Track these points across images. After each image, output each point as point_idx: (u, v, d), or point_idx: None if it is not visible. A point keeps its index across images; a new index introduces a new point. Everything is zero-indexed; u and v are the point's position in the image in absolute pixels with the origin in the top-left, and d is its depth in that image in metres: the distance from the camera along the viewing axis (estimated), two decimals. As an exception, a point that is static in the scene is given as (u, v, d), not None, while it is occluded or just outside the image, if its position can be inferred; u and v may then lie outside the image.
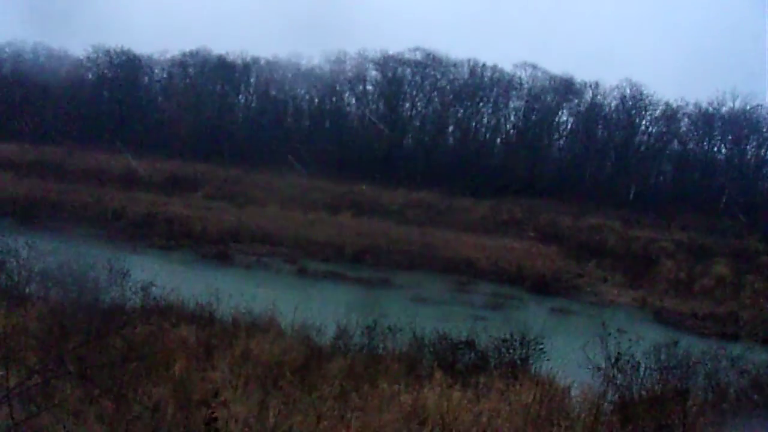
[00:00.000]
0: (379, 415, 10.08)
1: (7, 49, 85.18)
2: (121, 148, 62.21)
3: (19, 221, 38.63)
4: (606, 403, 11.86)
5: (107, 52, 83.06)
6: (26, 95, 78.36)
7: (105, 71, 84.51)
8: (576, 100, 73.33)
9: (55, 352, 10.96)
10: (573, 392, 13.00)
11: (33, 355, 11.35)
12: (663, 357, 14.01)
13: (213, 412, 7.78)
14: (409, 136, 75.27)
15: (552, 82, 72.30)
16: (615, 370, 12.68)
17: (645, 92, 70.77)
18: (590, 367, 12.92)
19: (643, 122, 72.61)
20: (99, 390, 9.76)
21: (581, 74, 72.32)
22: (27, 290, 17.35)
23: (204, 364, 12.64)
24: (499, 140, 75.96)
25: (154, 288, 17.51)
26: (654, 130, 72.71)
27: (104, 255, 17.96)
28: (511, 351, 14.89)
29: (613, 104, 72.72)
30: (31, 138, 69.33)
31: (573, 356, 14.06)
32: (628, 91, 71.01)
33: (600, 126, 73.40)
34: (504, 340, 15.02)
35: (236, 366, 12.52)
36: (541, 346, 14.85)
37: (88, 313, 13.83)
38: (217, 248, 36.97)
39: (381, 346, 15.11)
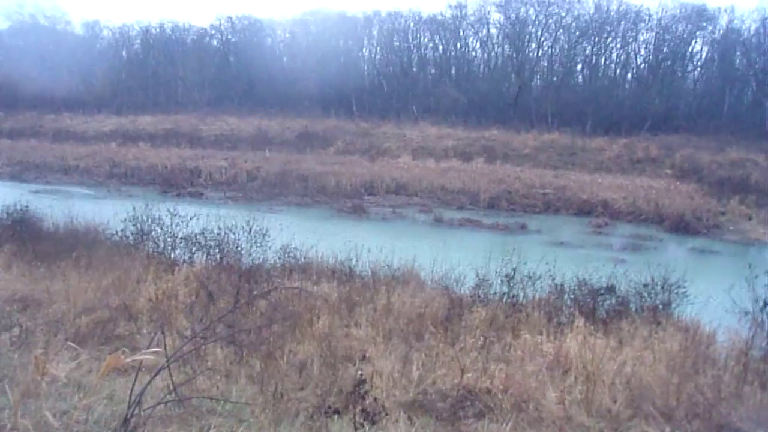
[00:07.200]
0: (521, 366, 10.10)
1: (136, 26, 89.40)
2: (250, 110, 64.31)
3: (160, 189, 40.79)
4: (755, 350, 11.46)
5: (229, 19, 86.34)
6: (156, 68, 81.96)
7: (229, 37, 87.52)
8: (710, 27, 69.42)
9: (205, 318, 11.72)
10: (719, 338, 12.51)
11: (183, 320, 12.08)
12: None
13: (362, 374, 8.27)
14: (537, 77, 73.88)
15: (683, 11, 68.64)
16: (764, 314, 12.27)
17: (789, 11, 65.61)
18: (737, 311, 12.61)
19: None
20: (247, 351, 10.37)
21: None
22: (172, 256, 18.06)
23: (347, 320, 12.85)
24: (629, 75, 73.33)
25: (293, 246, 17.78)
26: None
27: (241, 216, 18.58)
28: (652, 295, 14.53)
29: (752, 28, 67.98)
30: (164, 108, 72.95)
31: (717, 300, 13.62)
32: (769, 12, 65.78)
33: (738, 53, 69.18)
34: (645, 285, 14.63)
35: (378, 321, 12.70)
36: (683, 290, 14.43)
37: (232, 276, 14.30)
38: (351, 202, 37.92)
39: (521, 294, 14.82)
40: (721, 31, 69.02)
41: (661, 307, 14.46)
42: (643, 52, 72.33)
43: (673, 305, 14.49)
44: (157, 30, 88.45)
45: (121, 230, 19.25)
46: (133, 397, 5.82)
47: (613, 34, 71.19)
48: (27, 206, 21.07)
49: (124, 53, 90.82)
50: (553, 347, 11.18)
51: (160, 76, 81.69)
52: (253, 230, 17.35)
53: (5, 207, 20.94)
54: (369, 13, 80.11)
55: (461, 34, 76.60)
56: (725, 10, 67.96)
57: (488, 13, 74.95)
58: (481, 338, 11.47)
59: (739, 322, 12.37)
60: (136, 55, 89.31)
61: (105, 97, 77.74)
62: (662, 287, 14.67)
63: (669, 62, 70.10)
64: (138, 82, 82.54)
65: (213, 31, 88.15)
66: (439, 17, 76.30)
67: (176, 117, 68.19)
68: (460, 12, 75.43)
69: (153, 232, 18.96)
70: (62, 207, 22.22)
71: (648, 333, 12.15)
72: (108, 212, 22.09)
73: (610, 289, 14.94)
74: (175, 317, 12.28)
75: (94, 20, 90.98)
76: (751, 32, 68.16)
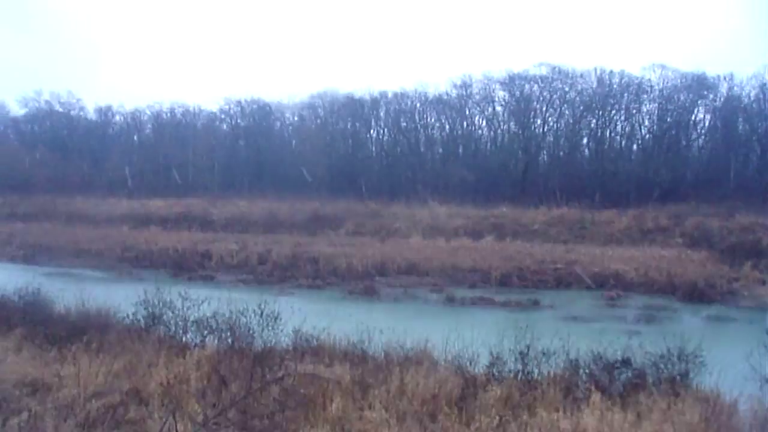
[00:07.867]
0: (538, 445, 10.01)
1: (147, 111, 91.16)
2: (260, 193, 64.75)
3: (171, 272, 40.77)
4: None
5: (239, 103, 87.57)
6: (167, 152, 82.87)
7: (238, 121, 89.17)
8: (711, 95, 70.06)
9: (217, 403, 11.58)
10: (740, 407, 12.21)
11: (195, 404, 12.02)
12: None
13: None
14: (544, 152, 74.43)
15: (684, 80, 69.44)
16: (786, 380, 12.06)
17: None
18: (757, 378, 12.40)
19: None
20: (260, 435, 10.25)
21: (714, 67, 68.50)
22: (184, 339, 18.14)
23: (360, 402, 12.76)
24: (635, 146, 73.72)
25: (305, 328, 17.85)
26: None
27: (253, 299, 18.51)
28: (669, 366, 14.34)
29: (752, 94, 68.47)
30: (175, 192, 73.43)
31: (737, 368, 13.46)
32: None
33: (740, 119, 69.51)
34: (662, 356, 14.49)
35: (392, 402, 12.65)
36: (701, 359, 14.25)
37: (244, 360, 14.34)
38: (363, 283, 37.54)
39: (536, 370, 14.77)
40: (722, 99, 69.68)
41: (679, 378, 14.20)
42: (647, 122, 72.98)
43: (692, 375, 14.23)
44: (168, 114, 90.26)
45: (133, 314, 19.22)
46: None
47: (616, 106, 71.94)
48: (38, 289, 21.12)
49: (135, 137, 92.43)
50: (570, 424, 11.03)
51: (171, 160, 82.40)
52: (264, 313, 17.25)
53: (17, 290, 21.01)
54: (376, 94, 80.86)
55: (467, 112, 77.58)
56: (725, 78, 68.59)
57: (493, 91, 76.09)
58: (497, 417, 11.32)
59: (760, 390, 12.15)
60: (147, 139, 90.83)
61: (117, 180, 78.53)
62: (679, 358, 14.45)
63: (673, 131, 70.63)
64: (149, 166, 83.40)
65: (222, 115, 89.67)
66: (445, 97, 77.37)
67: (187, 200, 68.60)
68: (466, 91, 76.50)
69: (164, 316, 18.92)
70: (74, 290, 22.24)
71: (667, 405, 11.94)
72: (119, 295, 22.12)
73: (626, 362, 14.74)
74: (187, 402, 12.16)
75: (107, 105, 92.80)
76: (751, 98, 68.84)
